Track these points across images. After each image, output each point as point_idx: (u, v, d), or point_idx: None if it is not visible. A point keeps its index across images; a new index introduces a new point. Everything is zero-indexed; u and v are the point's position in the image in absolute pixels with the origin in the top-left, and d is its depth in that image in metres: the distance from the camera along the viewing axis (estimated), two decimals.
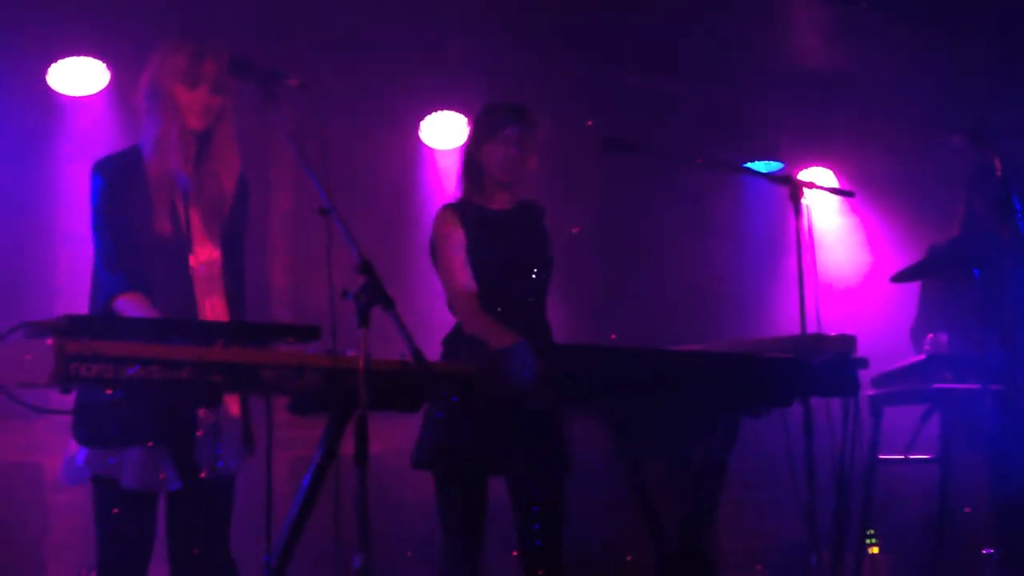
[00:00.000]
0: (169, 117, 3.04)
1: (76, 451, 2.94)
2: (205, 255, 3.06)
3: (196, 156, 3.09)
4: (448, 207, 3.61)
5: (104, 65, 5.21)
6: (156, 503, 2.93)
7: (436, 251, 3.59)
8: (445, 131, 6.12)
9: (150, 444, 2.81)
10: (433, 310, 5.22)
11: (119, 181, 3.03)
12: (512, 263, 3.54)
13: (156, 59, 3.09)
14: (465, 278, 3.48)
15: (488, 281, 3.50)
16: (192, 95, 3.03)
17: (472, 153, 3.61)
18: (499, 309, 3.46)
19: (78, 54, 5.16)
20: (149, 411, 2.62)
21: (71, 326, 2.42)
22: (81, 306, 3.07)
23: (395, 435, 3.75)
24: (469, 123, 3.70)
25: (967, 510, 4.34)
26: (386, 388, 2.75)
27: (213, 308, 3.06)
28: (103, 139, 5.02)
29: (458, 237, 3.51)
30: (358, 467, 2.58)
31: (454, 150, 6.18)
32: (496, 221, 3.56)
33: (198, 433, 2.89)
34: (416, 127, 6.12)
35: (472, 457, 3.37)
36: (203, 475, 2.86)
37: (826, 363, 3.44)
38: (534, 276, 3.57)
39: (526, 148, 3.55)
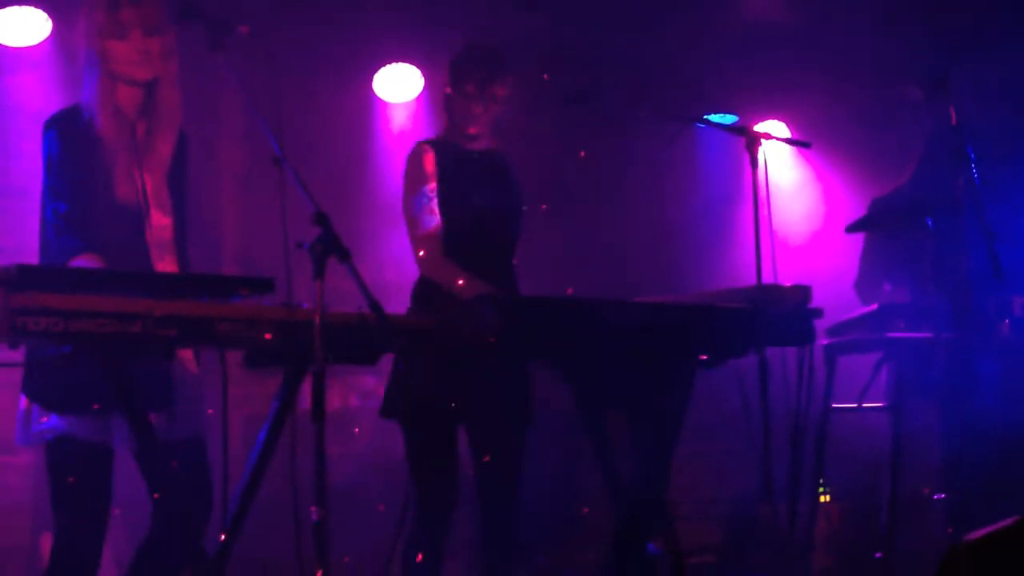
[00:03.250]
0: (106, 73, 2.93)
1: (32, 412, 2.85)
2: (158, 220, 2.99)
3: (142, 110, 3.00)
4: (424, 143, 3.56)
5: (46, 15, 5.07)
6: (111, 460, 2.87)
7: (407, 188, 3.53)
8: (399, 84, 6.05)
9: (96, 407, 2.74)
10: (388, 262, 5.20)
11: (75, 140, 2.92)
12: (485, 209, 3.51)
13: (80, 18, 2.97)
14: (432, 219, 3.44)
15: (459, 224, 3.46)
16: (126, 44, 2.91)
17: (447, 99, 3.58)
18: (468, 254, 3.43)
19: (20, 3, 5.02)
20: (100, 368, 2.55)
21: (20, 277, 2.34)
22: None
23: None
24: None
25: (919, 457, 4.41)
26: (343, 341, 2.72)
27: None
28: (47, 91, 4.90)
29: (431, 175, 3.47)
30: (315, 422, 2.56)
31: (408, 103, 6.12)
32: (470, 161, 3.54)
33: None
34: (370, 79, 6.05)
35: (437, 406, 3.35)
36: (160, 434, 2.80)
37: (781, 313, 3.46)
38: (503, 225, 3.55)
39: (492, 98, 3.51)
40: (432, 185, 3.46)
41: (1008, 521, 2.18)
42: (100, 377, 2.57)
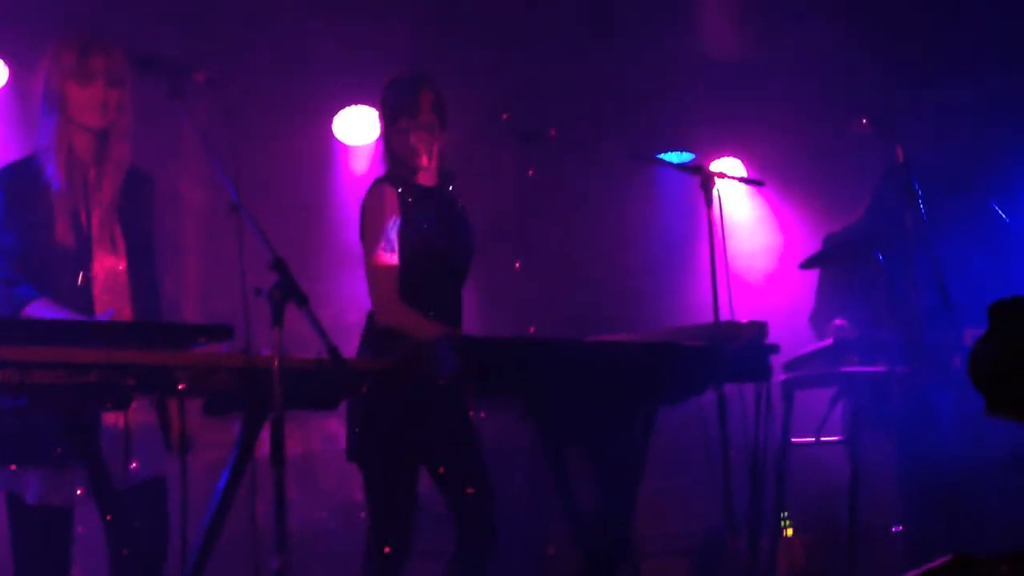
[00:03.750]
0: (60, 116, 2.96)
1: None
2: (108, 263, 2.99)
3: (95, 158, 3.02)
4: (382, 181, 3.47)
5: (2, 61, 5.07)
6: (70, 517, 2.86)
7: (365, 227, 3.47)
8: (358, 126, 6.08)
9: (59, 451, 2.73)
10: (349, 304, 5.19)
11: (16, 191, 2.96)
12: (444, 245, 3.49)
13: (47, 59, 3.01)
14: (390, 260, 3.39)
15: (417, 262, 3.43)
16: (86, 92, 2.96)
17: (386, 139, 3.54)
18: (422, 290, 3.41)
19: None
20: (55, 421, 2.54)
21: None
22: None
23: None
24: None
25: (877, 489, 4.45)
26: (302, 386, 2.72)
27: (120, 319, 2.98)
28: (4, 136, 4.89)
29: (390, 215, 3.40)
30: (274, 468, 2.55)
31: (367, 145, 6.15)
32: (424, 198, 3.48)
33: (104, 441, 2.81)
34: (329, 122, 6.07)
35: (396, 449, 3.34)
36: (114, 483, 2.78)
37: (739, 350, 3.49)
38: (460, 261, 3.54)
39: (431, 127, 3.46)
40: (392, 224, 3.42)
41: (939, 561, 2.21)
42: (57, 428, 2.55)
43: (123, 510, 2.73)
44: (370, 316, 3.47)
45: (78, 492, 2.80)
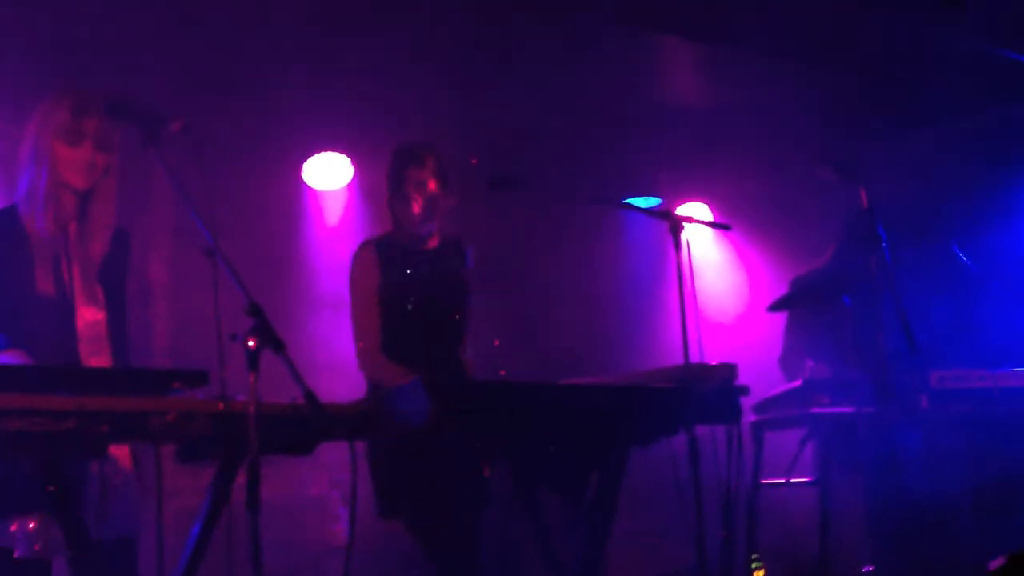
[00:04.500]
0: (48, 174, 2.96)
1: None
2: (90, 315, 3.00)
3: (77, 213, 3.03)
4: (369, 245, 3.61)
5: None
6: (48, 569, 2.83)
7: (351, 289, 3.60)
8: (328, 172, 6.11)
9: (34, 514, 2.70)
10: (321, 346, 5.20)
11: (1, 239, 2.95)
12: (426, 307, 3.56)
13: (38, 113, 3.01)
14: (371, 325, 3.50)
15: (401, 321, 3.51)
16: (75, 152, 2.97)
17: (389, 200, 3.64)
18: (411, 350, 3.48)
19: None
20: (33, 470, 2.52)
21: None
22: None
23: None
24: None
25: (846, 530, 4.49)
26: (278, 431, 2.72)
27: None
28: None
29: (372, 280, 3.53)
30: (250, 513, 2.55)
31: (338, 191, 6.18)
32: (415, 260, 3.58)
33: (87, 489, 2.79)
34: (299, 168, 6.10)
35: (425, 494, 3.37)
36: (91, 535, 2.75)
37: (709, 392, 3.53)
38: (447, 320, 3.60)
39: (433, 194, 3.57)
40: (372, 286, 3.51)
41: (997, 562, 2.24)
42: (32, 479, 2.54)
43: (94, 562, 2.70)
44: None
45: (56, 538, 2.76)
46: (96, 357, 2.98)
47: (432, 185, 3.55)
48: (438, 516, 3.40)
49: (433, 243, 3.64)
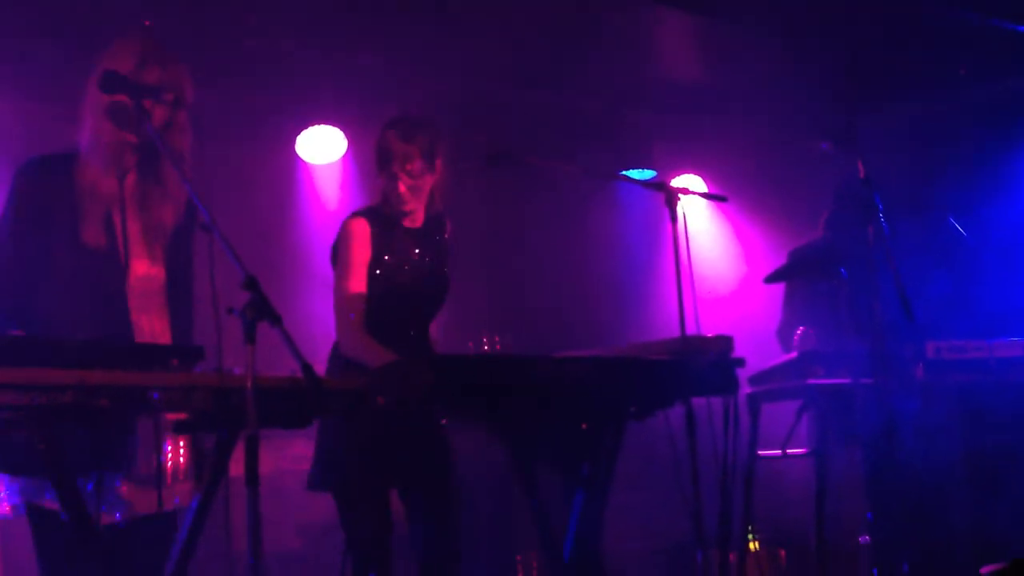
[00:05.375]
0: (102, 122, 2.92)
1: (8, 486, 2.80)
2: (143, 270, 2.96)
3: (137, 165, 2.98)
4: (358, 216, 3.54)
5: None
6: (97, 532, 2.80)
7: (337, 258, 3.54)
8: (321, 146, 6.08)
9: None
10: (316, 320, 5.19)
11: (40, 185, 2.90)
12: (411, 282, 3.53)
13: (105, 55, 2.94)
14: (356, 288, 3.45)
15: (384, 294, 3.48)
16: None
17: (378, 173, 3.58)
18: (386, 326, 3.45)
19: None
20: (34, 439, 2.51)
21: None
22: None
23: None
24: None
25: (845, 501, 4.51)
26: (275, 405, 2.71)
27: (152, 326, 2.96)
28: None
29: (361, 248, 3.48)
30: (249, 487, 2.54)
31: (331, 164, 6.15)
32: (402, 234, 3.55)
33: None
34: (292, 141, 6.07)
35: (370, 473, 3.35)
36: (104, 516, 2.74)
37: (705, 363, 3.53)
38: (428, 297, 3.58)
39: (423, 171, 3.52)
40: (361, 257, 3.48)
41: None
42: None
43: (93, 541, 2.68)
44: (335, 345, 3.51)
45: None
46: (147, 314, 2.94)
47: (419, 164, 3.49)
48: (374, 491, 3.38)
49: (419, 221, 3.59)
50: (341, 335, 3.46)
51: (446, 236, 3.66)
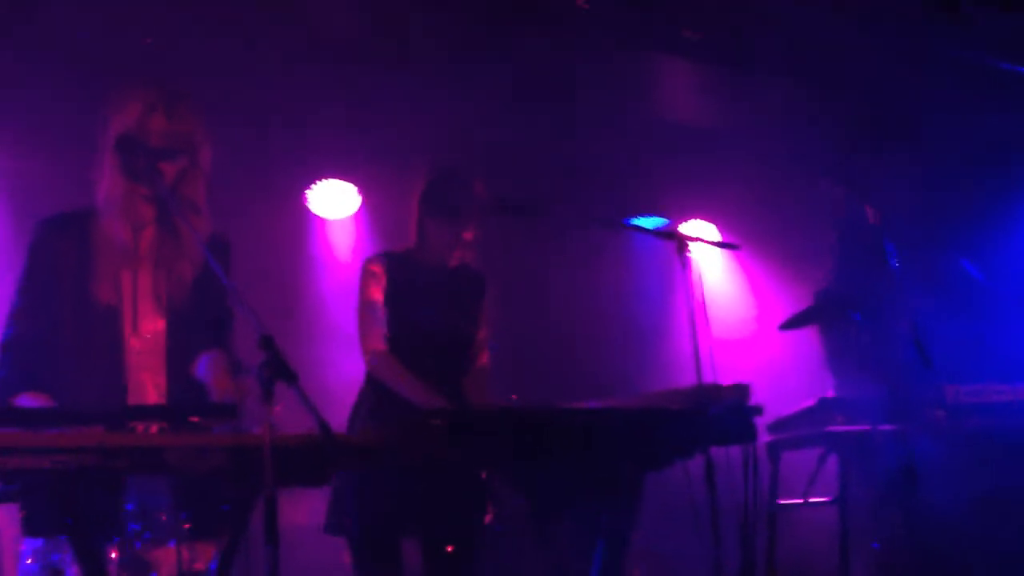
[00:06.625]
0: (117, 177, 2.93)
1: (24, 548, 2.78)
2: (150, 327, 2.96)
3: (156, 220, 2.98)
4: (378, 257, 3.62)
5: None
6: None
7: (358, 299, 3.61)
8: (332, 200, 6.10)
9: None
10: (330, 375, 5.18)
11: (53, 244, 2.91)
12: (429, 328, 3.55)
13: (112, 110, 2.95)
14: (380, 329, 3.50)
15: (402, 338, 3.51)
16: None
17: (421, 216, 3.62)
18: (412, 370, 3.47)
19: None
20: (52, 502, 2.50)
21: None
22: None
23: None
24: (422, 180, 3.68)
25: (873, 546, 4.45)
26: (293, 463, 2.70)
27: (156, 383, 2.95)
28: None
29: (379, 289, 3.52)
30: (268, 546, 2.52)
31: (344, 219, 6.17)
32: (428, 279, 3.59)
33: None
34: (304, 196, 6.09)
35: (386, 520, 3.34)
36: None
37: (723, 412, 3.51)
38: (448, 345, 3.60)
39: (470, 226, 3.59)
40: (379, 299, 3.51)
41: None
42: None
43: None
44: (365, 379, 3.54)
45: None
46: (149, 371, 2.94)
47: (467, 218, 3.55)
48: (387, 539, 3.36)
49: (450, 266, 3.64)
50: (375, 369, 3.49)
51: (483, 301, 3.69)
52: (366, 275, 3.59)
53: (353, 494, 3.35)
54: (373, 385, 3.53)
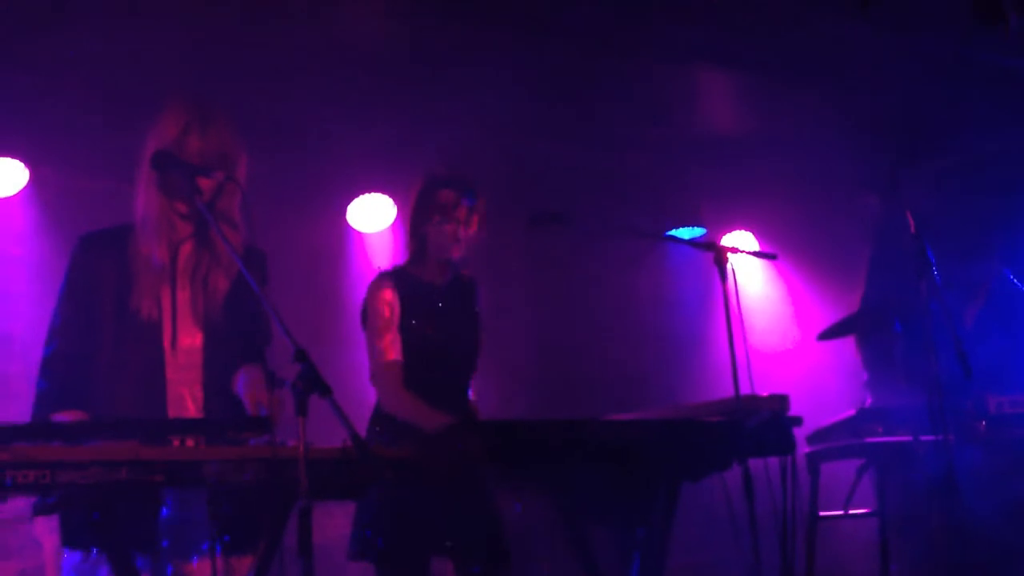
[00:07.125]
0: (154, 194, 2.97)
1: (65, 563, 2.83)
2: (188, 342, 2.99)
3: (193, 235, 3.02)
4: (384, 275, 3.60)
5: (23, 164, 5.15)
6: None
7: (367, 319, 3.58)
8: (372, 213, 6.14)
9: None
10: (367, 391, 5.20)
11: (92, 261, 2.96)
12: (441, 342, 3.55)
13: (149, 127, 3.00)
14: (393, 352, 3.48)
15: (415, 356, 3.50)
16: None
17: (416, 226, 3.62)
18: (421, 387, 3.46)
19: None
20: (88, 514, 2.54)
21: (2, 435, 2.36)
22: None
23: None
24: (413, 193, 3.71)
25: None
26: (327, 476, 2.72)
27: (194, 396, 2.99)
28: (26, 238, 4.95)
29: (392, 308, 3.51)
30: (302, 558, 2.54)
31: (381, 232, 6.21)
32: (429, 295, 3.58)
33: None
34: (343, 210, 6.14)
35: (415, 538, 3.34)
36: None
37: (761, 423, 3.48)
38: (460, 358, 3.59)
39: (471, 224, 3.57)
40: (390, 318, 3.49)
41: None
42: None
43: None
44: (376, 407, 3.53)
45: None
46: (187, 386, 2.97)
47: (464, 212, 3.54)
48: (415, 560, 3.35)
49: (446, 278, 3.62)
50: (384, 397, 3.49)
51: (477, 307, 3.68)
52: (380, 295, 3.54)
53: (380, 511, 3.34)
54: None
